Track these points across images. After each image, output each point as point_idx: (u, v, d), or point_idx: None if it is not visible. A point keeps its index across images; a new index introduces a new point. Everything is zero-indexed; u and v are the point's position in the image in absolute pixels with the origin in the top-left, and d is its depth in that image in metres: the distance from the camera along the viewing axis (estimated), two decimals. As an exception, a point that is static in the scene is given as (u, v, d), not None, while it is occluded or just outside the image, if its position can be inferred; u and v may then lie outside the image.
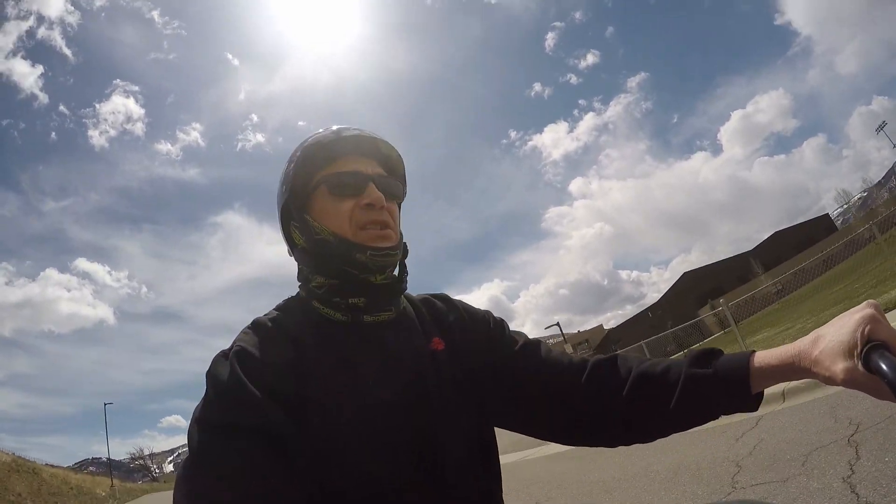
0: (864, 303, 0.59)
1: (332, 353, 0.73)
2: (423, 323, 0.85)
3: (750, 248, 50.69)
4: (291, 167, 0.82)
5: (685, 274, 53.21)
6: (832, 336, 0.59)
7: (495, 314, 0.93)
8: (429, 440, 0.72)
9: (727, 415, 0.69)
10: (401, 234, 0.85)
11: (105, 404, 42.84)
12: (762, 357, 0.66)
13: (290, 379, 0.67)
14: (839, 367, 0.57)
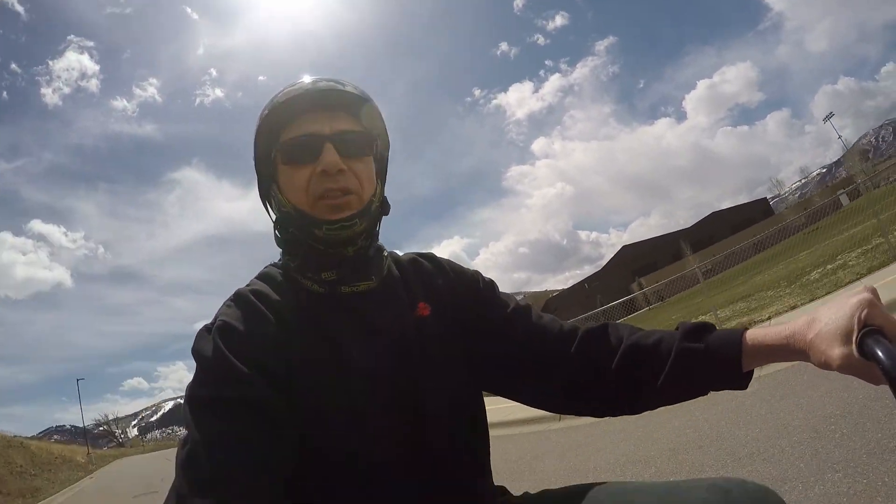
0: (861, 287, 0.58)
1: (312, 326, 0.71)
2: (409, 287, 0.81)
3: (688, 226, 51.44)
4: (256, 136, 0.78)
5: (624, 247, 53.71)
6: (828, 319, 0.57)
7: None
8: (414, 409, 0.71)
9: (716, 391, 0.68)
10: (379, 190, 0.79)
11: (77, 380, 44.94)
12: (755, 336, 0.64)
13: (273, 353, 0.65)
14: (835, 351, 0.56)
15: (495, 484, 0.81)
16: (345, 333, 0.71)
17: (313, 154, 0.72)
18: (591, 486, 0.69)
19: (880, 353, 0.50)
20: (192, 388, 0.63)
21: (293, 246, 0.76)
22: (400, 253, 0.90)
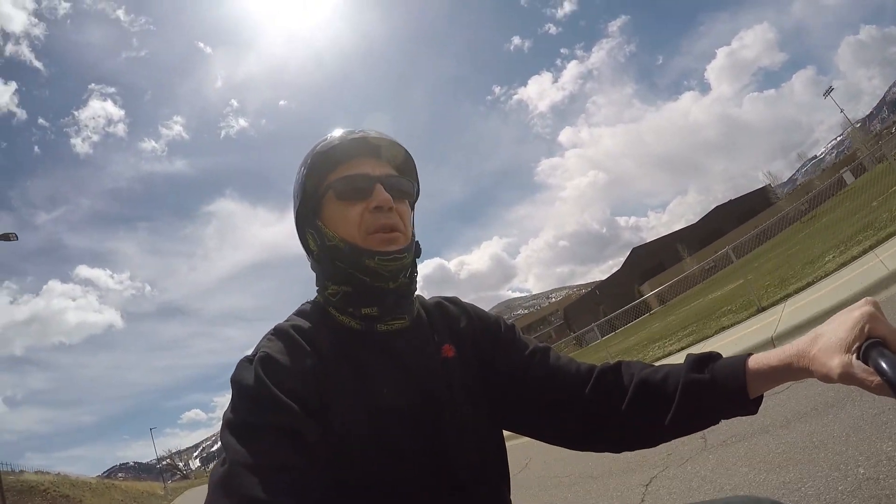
0: (863, 300, 0.59)
1: (348, 362, 0.74)
2: (435, 329, 0.85)
3: (695, 222, 50.55)
4: (302, 172, 0.82)
5: (634, 250, 52.92)
6: (830, 333, 0.58)
7: (507, 321, 0.92)
8: (441, 446, 0.74)
9: (726, 419, 0.69)
10: (413, 234, 0.84)
11: (151, 429, 52.36)
12: (759, 360, 0.66)
13: (311, 385, 0.68)
14: (835, 363, 0.56)
15: None
16: (378, 369, 0.75)
17: (365, 192, 0.78)
18: None
19: (883, 364, 0.51)
20: (232, 414, 0.64)
21: (338, 279, 0.79)
22: (426, 297, 0.95)
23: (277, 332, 0.74)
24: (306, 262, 0.87)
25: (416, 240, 0.84)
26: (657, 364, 0.78)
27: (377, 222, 0.77)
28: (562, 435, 0.82)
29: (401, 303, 0.80)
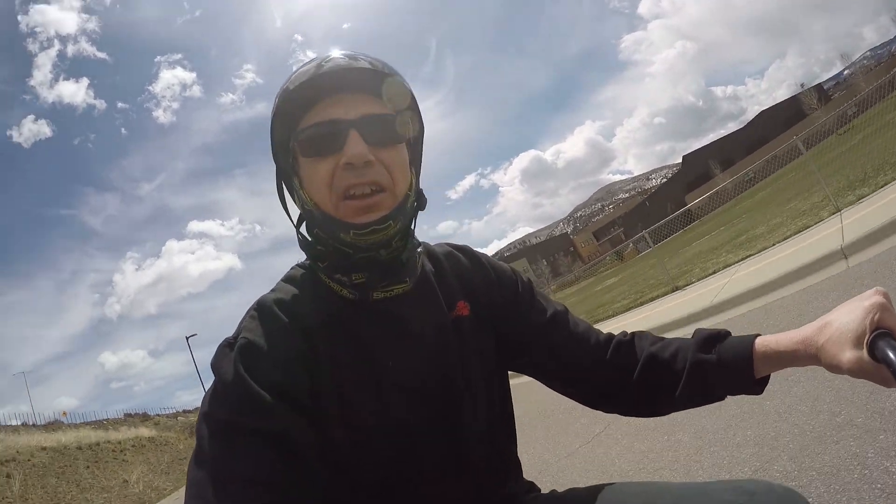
0: (873, 289, 0.58)
1: (344, 337, 0.66)
2: (446, 285, 0.77)
3: (741, 127, 51.17)
4: (272, 124, 0.68)
5: (685, 157, 54.65)
6: (839, 323, 0.57)
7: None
8: (454, 417, 0.69)
9: (733, 395, 0.69)
10: (413, 182, 0.71)
11: None
12: (766, 342, 0.64)
13: (300, 372, 0.61)
14: (846, 355, 0.55)
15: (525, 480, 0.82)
16: (379, 342, 0.67)
17: (336, 144, 0.63)
18: (615, 485, 0.72)
19: (892, 356, 0.50)
20: (211, 406, 0.58)
21: (320, 247, 0.69)
22: (433, 244, 0.83)
23: (260, 310, 0.65)
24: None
25: (419, 189, 0.73)
26: (666, 337, 0.76)
27: (348, 181, 0.63)
28: (573, 394, 0.81)
29: (392, 271, 0.69)
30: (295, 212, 0.74)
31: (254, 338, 0.61)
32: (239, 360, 0.59)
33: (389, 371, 0.66)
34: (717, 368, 0.67)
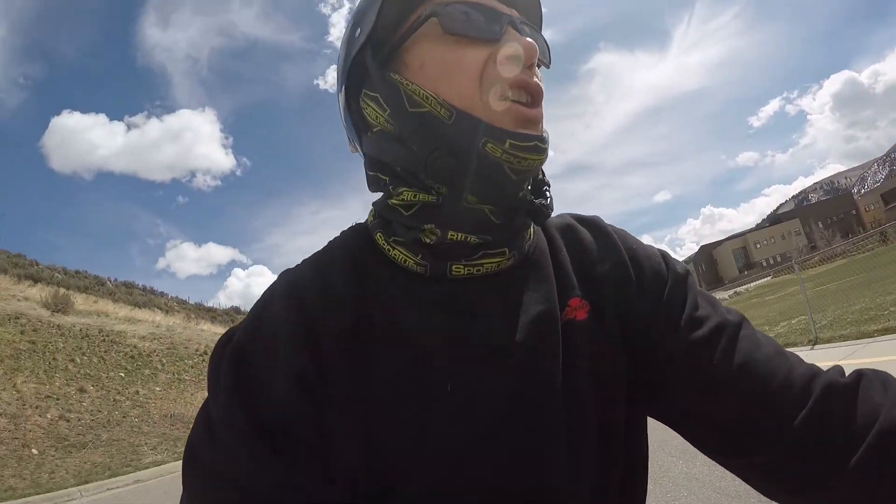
0: None
1: (387, 334, 0.43)
2: (561, 272, 0.49)
3: None
4: None
5: None
6: None
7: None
8: (532, 476, 0.41)
9: None
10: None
11: None
12: None
13: (306, 395, 0.41)
14: None
15: None
16: (440, 346, 0.43)
17: (497, 28, 0.44)
18: None
19: None
20: (216, 398, 0.41)
21: (419, 174, 0.45)
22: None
23: (272, 296, 0.45)
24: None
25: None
26: None
27: (514, 79, 0.43)
28: (742, 469, 0.44)
29: (511, 234, 0.46)
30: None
31: (247, 343, 0.43)
32: (231, 372, 0.42)
33: (445, 397, 0.41)
34: None
